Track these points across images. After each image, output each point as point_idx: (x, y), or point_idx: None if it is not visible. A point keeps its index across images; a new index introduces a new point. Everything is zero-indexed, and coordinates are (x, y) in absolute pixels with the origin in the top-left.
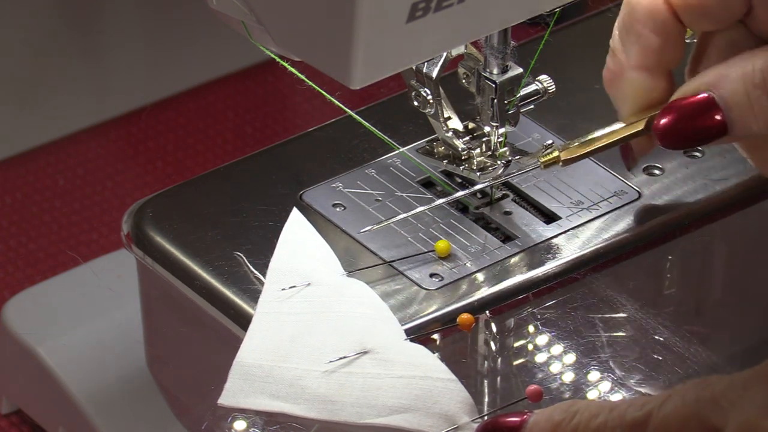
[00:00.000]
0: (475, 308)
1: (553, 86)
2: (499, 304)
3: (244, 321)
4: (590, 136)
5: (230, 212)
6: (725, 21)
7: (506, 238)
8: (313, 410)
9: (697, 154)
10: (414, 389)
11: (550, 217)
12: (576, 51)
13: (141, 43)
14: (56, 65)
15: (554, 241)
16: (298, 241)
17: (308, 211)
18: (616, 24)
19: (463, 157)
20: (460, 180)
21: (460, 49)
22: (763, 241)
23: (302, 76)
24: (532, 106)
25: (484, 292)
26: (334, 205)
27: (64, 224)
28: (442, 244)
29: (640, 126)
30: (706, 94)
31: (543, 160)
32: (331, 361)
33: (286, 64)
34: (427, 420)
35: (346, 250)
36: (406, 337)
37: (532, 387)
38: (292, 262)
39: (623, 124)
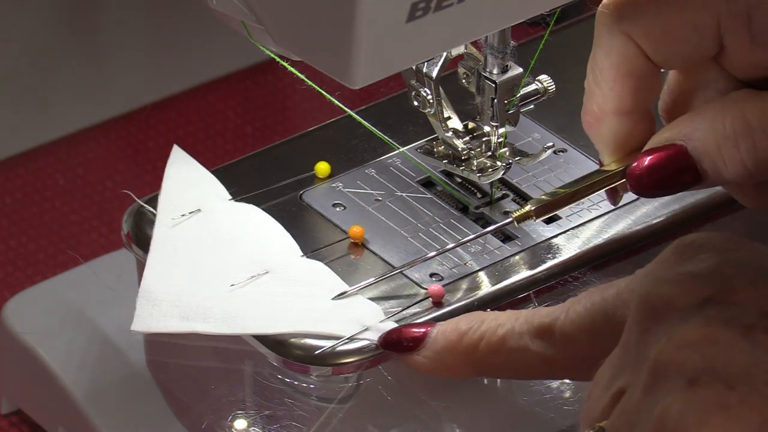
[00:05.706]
0: (475, 308)
1: (553, 86)
2: (499, 304)
3: None
4: (569, 189)
5: None
6: (696, 60)
7: (506, 238)
8: (223, 326)
9: None
10: (320, 302)
11: (550, 217)
12: (576, 51)
13: (141, 43)
14: (56, 65)
15: (554, 241)
16: (183, 173)
17: (308, 211)
18: (589, 66)
19: (463, 157)
20: (460, 180)
21: (460, 49)
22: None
23: (302, 76)
24: (532, 106)
25: (484, 291)
26: (334, 205)
27: (64, 224)
28: (322, 166)
29: (619, 174)
30: (678, 144)
31: (516, 215)
32: (233, 285)
33: (286, 64)
34: (338, 325)
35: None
36: (302, 254)
37: (435, 286)
38: (181, 192)
39: (601, 175)
